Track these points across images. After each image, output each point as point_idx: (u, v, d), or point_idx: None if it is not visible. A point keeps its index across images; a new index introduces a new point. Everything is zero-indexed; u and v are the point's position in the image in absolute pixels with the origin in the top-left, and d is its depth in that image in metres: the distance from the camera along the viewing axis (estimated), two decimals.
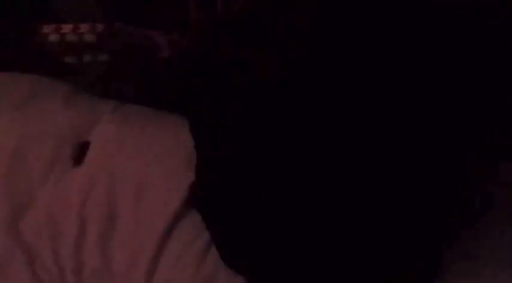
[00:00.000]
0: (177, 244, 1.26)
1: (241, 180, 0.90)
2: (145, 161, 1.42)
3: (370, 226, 0.87)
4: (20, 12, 1.48)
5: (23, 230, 1.31)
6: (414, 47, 0.84)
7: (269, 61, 0.88)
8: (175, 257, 1.25)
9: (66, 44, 1.39)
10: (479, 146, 0.93)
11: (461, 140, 0.90)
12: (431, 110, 0.87)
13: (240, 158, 0.88)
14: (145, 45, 1.43)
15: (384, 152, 0.84)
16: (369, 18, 0.84)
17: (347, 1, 0.86)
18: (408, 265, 0.90)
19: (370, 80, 0.83)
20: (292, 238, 0.88)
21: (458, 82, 0.87)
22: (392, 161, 0.85)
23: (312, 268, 0.88)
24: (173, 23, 1.45)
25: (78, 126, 1.48)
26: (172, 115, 1.48)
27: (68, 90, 1.52)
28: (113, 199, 1.35)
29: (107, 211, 1.33)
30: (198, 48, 1.14)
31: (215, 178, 0.97)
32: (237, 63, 0.91)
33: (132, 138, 1.47)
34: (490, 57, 0.90)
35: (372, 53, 0.84)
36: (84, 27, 1.39)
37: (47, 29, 1.39)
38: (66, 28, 1.38)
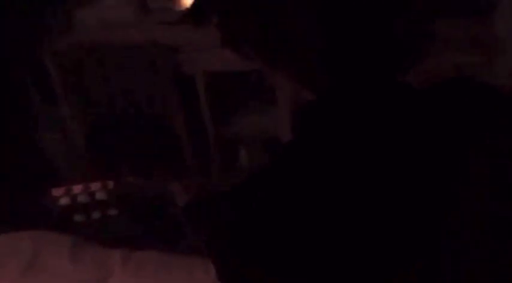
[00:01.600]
0: None
1: None
2: None
3: (370, 225, 0.88)
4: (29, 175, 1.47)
5: None
6: None
7: None
8: None
9: (77, 204, 1.37)
10: (479, 146, 0.96)
11: (462, 140, 0.94)
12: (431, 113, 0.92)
13: None
14: (157, 195, 1.44)
15: (384, 151, 0.88)
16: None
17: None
18: (408, 265, 0.90)
19: None
20: (298, 238, 0.88)
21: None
22: (393, 160, 0.89)
23: (313, 268, 0.88)
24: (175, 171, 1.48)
25: None
26: (182, 256, 1.47)
27: (72, 243, 1.48)
28: None
29: None
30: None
31: None
32: None
33: None
34: None
35: None
36: (95, 185, 1.39)
37: (57, 192, 1.37)
38: (77, 189, 1.37)
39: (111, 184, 1.38)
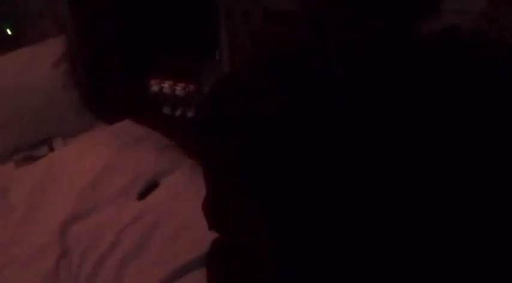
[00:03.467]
0: None
1: None
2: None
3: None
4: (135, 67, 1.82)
5: (71, 232, 1.54)
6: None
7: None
8: None
9: (163, 95, 1.61)
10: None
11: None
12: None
13: None
14: None
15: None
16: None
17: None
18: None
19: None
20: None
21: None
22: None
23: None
24: None
25: (157, 170, 1.70)
26: None
27: (164, 143, 1.78)
28: (149, 234, 1.50)
29: (138, 242, 1.48)
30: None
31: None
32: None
33: (192, 191, 1.62)
34: None
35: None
36: (180, 85, 1.60)
37: (153, 81, 1.62)
38: (167, 83, 1.61)
39: (191, 87, 1.58)
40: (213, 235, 1.26)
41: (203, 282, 1.08)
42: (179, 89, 1.60)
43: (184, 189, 1.62)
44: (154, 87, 1.62)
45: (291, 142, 0.88)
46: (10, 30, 2.07)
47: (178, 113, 1.64)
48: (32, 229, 1.55)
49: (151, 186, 1.67)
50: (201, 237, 1.38)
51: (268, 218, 0.92)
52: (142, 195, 1.64)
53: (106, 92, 2.14)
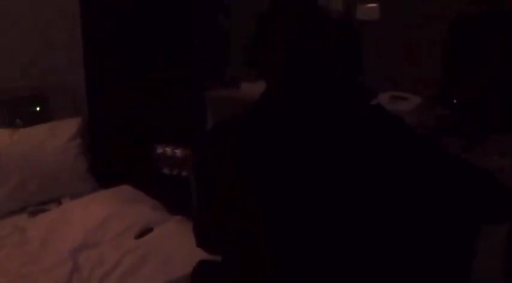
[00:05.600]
0: None
1: None
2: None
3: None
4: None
5: (80, 255, 1.92)
6: None
7: None
8: None
9: (165, 156, 2.03)
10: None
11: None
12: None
13: None
14: None
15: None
16: None
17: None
18: None
19: None
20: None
21: None
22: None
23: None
24: None
25: (152, 220, 2.08)
26: None
27: (157, 204, 2.18)
28: (144, 259, 1.87)
29: (135, 264, 1.83)
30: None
31: None
32: None
33: (180, 235, 1.98)
34: None
35: None
36: (179, 149, 2.03)
37: (158, 145, 2.05)
38: (169, 147, 2.04)
39: (188, 151, 2.01)
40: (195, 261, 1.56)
41: None
42: (178, 152, 2.03)
43: (174, 233, 2.00)
44: (159, 150, 2.04)
45: (285, 138, 1.07)
46: (39, 108, 2.54)
47: (175, 172, 2.05)
48: (46, 255, 1.89)
49: (146, 230, 2.04)
50: (187, 262, 1.73)
51: (267, 212, 1.09)
52: (138, 236, 2.01)
53: (108, 162, 2.58)
